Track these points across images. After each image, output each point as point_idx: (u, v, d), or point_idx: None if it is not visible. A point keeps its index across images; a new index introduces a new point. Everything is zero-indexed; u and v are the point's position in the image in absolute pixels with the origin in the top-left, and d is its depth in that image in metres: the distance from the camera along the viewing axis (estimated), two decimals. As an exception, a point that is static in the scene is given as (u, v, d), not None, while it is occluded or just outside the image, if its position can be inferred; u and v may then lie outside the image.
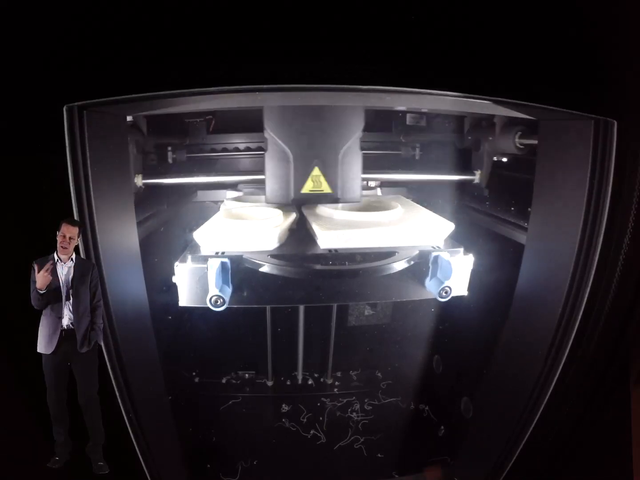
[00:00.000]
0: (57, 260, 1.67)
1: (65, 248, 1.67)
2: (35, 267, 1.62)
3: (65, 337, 1.68)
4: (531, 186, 2.31)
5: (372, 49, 1.81)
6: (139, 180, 2.60)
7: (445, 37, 1.84)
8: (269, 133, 2.36)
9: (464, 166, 3.01)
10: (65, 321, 1.67)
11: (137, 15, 1.74)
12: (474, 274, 2.38)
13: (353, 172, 2.43)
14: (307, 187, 2.40)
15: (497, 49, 1.86)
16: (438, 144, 3.22)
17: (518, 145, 2.60)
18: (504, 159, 2.82)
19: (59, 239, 1.66)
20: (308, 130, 2.34)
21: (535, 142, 2.38)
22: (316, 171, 2.38)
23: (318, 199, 2.46)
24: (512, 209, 2.60)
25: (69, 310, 1.67)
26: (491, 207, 2.81)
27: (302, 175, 2.38)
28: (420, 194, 3.30)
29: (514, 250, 2.51)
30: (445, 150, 3.11)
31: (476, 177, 2.94)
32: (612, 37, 1.88)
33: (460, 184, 3.05)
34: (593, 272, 2.04)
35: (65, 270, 1.70)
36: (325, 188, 2.41)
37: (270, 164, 2.40)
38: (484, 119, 2.86)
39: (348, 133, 2.37)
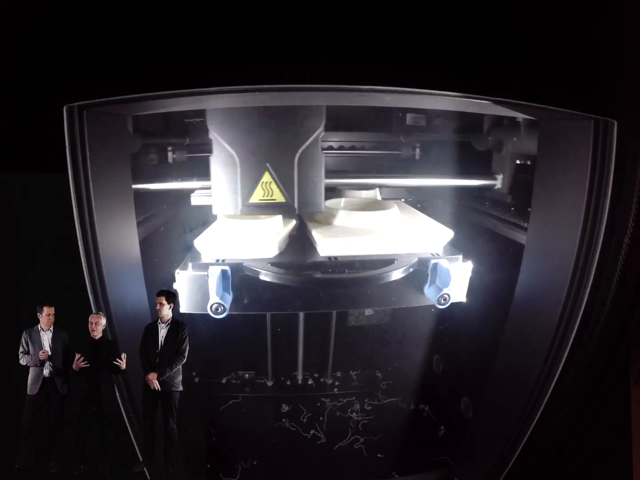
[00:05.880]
0: (40, 329, 2.00)
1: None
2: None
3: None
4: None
5: (373, 49, 1.81)
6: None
7: (445, 37, 1.83)
8: (213, 134, 2.09)
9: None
10: (46, 372, 2.00)
11: (137, 16, 1.74)
12: (474, 275, 2.38)
13: (313, 178, 2.06)
14: (257, 196, 2.07)
15: (497, 50, 1.86)
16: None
17: None
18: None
19: (43, 318, 1.99)
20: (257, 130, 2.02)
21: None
22: (267, 177, 2.05)
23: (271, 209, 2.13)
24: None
25: (50, 366, 2.00)
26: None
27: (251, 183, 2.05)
28: (421, 195, 3.32)
29: (508, 250, 2.52)
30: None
31: (498, 181, 2.67)
32: (612, 38, 1.88)
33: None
34: (593, 272, 2.04)
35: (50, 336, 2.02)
36: (278, 197, 2.06)
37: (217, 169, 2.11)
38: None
39: (306, 132, 2.05)
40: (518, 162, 2.58)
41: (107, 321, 1.98)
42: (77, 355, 1.93)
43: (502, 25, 1.86)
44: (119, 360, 1.94)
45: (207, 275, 2.13)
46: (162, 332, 2.01)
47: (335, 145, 3.09)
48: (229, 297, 2.15)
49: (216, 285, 2.10)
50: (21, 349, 1.97)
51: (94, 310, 1.97)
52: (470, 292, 2.40)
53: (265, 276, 2.18)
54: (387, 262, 2.26)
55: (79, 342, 1.98)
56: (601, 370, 2.13)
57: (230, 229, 2.35)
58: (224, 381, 3.49)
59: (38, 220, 1.90)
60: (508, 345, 2.42)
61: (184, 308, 2.19)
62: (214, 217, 2.57)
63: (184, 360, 2.02)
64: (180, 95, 1.86)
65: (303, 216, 2.61)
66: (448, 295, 2.25)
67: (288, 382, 3.54)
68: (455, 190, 2.89)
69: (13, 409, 1.96)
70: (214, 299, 2.10)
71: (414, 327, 3.32)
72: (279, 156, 2.06)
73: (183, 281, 2.18)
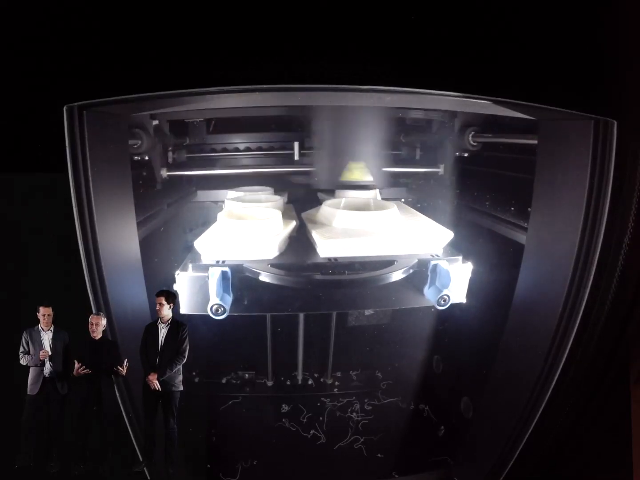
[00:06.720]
0: (41, 329, 2.00)
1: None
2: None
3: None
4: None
5: (373, 49, 1.81)
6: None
7: (445, 37, 1.84)
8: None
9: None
10: (46, 372, 2.00)
11: (137, 16, 1.74)
12: (474, 274, 2.39)
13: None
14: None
15: (497, 50, 1.86)
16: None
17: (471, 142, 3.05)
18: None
19: (40, 318, 1.98)
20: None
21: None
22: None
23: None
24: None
25: (50, 366, 2.00)
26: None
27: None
28: (420, 194, 3.35)
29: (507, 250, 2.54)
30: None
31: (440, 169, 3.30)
32: (612, 38, 1.88)
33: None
34: (593, 272, 2.04)
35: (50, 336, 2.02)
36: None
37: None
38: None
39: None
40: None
41: (107, 321, 1.97)
42: (77, 364, 1.93)
43: (501, 25, 1.86)
44: (120, 368, 1.94)
45: (207, 276, 2.14)
46: (162, 332, 2.01)
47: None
48: (229, 298, 2.15)
49: (216, 287, 2.10)
50: (21, 349, 1.97)
51: (94, 311, 1.97)
52: (470, 292, 2.40)
53: (265, 277, 2.18)
54: (387, 263, 2.27)
55: (78, 343, 1.98)
56: (601, 370, 2.12)
57: (231, 230, 2.35)
58: (224, 381, 3.49)
59: (38, 220, 1.90)
60: (508, 345, 2.42)
61: (184, 309, 2.20)
62: (214, 217, 2.58)
63: (184, 360, 2.02)
64: (180, 95, 1.87)
65: (303, 216, 2.63)
66: (448, 296, 2.25)
67: (288, 382, 3.55)
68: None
69: (13, 409, 1.96)
70: (214, 300, 2.10)
71: (414, 327, 3.32)
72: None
73: (183, 282, 2.18)
